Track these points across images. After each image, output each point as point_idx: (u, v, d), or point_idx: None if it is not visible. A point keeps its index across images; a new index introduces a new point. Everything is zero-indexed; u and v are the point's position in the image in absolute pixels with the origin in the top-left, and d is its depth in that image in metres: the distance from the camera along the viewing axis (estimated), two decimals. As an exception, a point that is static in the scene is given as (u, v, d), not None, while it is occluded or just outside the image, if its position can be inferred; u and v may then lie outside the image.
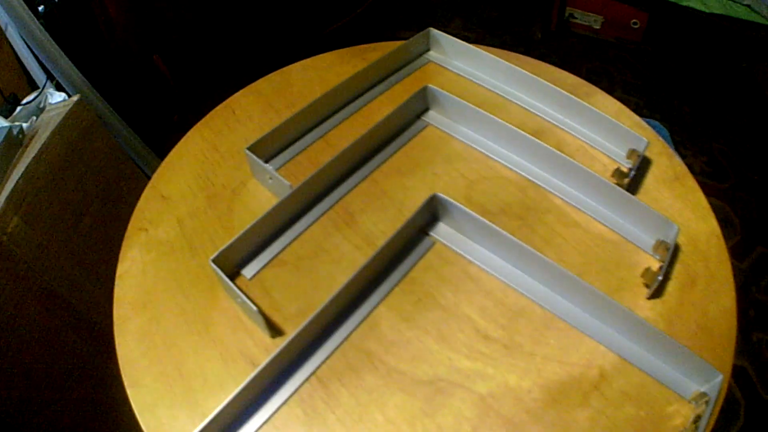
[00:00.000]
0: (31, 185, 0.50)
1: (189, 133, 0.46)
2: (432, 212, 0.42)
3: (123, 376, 0.38)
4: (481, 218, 0.40)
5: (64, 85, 0.56)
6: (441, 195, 0.41)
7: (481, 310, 0.40)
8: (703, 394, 0.38)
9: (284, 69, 0.51)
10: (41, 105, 0.55)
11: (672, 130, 1.17)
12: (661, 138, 0.50)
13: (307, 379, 0.37)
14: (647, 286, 0.42)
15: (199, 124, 0.47)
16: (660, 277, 0.40)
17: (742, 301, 0.97)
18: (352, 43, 0.55)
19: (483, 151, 0.47)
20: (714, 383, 0.38)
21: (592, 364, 0.39)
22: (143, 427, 0.36)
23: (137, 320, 0.40)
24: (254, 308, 0.37)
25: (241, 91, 0.48)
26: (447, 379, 0.38)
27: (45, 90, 0.54)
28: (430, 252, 0.42)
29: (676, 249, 0.44)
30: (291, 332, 0.36)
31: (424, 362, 0.38)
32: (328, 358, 0.38)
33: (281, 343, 0.36)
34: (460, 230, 0.42)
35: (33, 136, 0.52)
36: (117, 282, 0.42)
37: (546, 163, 0.45)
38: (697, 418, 0.37)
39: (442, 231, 0.43)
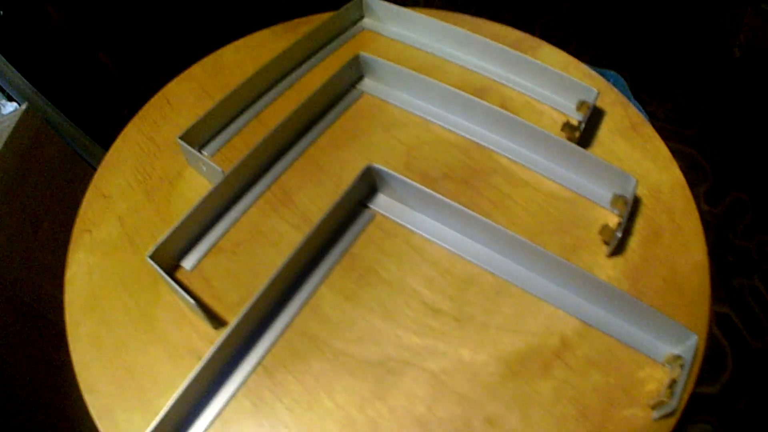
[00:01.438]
0: (-12, 198, 0.49)
1: (126, 128, 0.45)
2: (369, 184, 0.41)
3: (79, 381, 0.38)
4: (419, 186, 0.38)
5: (12, 95, 0.55)
6: (376, 165, 0.39)
7: (427, 282, 0.38)
8: (678, 357, 0.36)
9: (217, 52, 0.49)
10: (-8, 115, 0.54)
11: (633, 78, 1.13)
12: (615, 88, 0.46)
13: (254, 369, 0.36)
14: (606, 243, 0.40)
15: (135, 118, 0.45)
16: (619, 233, 0.38)
17: (719, 247, 0.94)
18: (295, 15, 0.52)
19: (422, 115, 0.45)
20: (688, 345, 0.35)
21: (553, 332, 0.37)
22: (101, 430, 0.36)
23: (88, 324, 0.39)
24: (192, 302, 0.36)
25: (174, 79, 0.47)
26: (396, 358, 0.36)
27: (-6, 100, 0.54)
28: (370, 225, 0.40)
29: (637, 202, 0.42)
30: (233, 322, 0.35)
31: (372, 342, 0.37)
32: (273, 345, 0.37)
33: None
34: (400, 200, 0.40)
35: (-17, 148, 0.52)
36: (66, 287, 0.41)
37: (489, 123, 0.42)
38: (673, 382, 0.34)
39: (381, 202, 0.41)
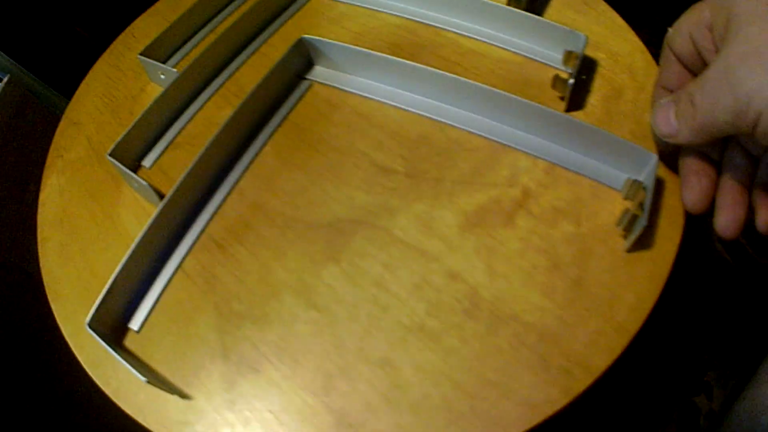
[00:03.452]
0: (-26, 168, 0.52)
1: (95, 65, 0.47)
2: (305, 57, 0.41)
3: (47, 292, 0.38)
4: (354, 47, 0.38)
5: (-6, 68, 0.59)
6: (308, 36, 0.39)
7: (377, 144, 0.38)
8: (637, 182, 0.33)
9: (179, -14, 0.51)
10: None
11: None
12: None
13: (199, 237, 0.36)
14: (561, 98, 0.38)
15: (103, 54, 0.47)
16: (571, 81, 0.36)
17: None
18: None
19: (370, 7, 0.45)
20: (649, 169, 0.33)
21: (514, 183, 0.35)
22: (66, 337, 0.36)
23: (56, 237, 0.40)
24: (144, 183, 0.36)
25: (140, 16, 0.49)
26: (347, 218, 0.35)
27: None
28: (315, 98, 0.40)
29: (593, 63, 0.40)
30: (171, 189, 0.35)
31: (322, 206, 0.36)
32: (217, 211, 0.37)
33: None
34: (338, 68, 0.41)
35: (-26, 120, 0.55)
36: (39, 209, 0.42)
37: (435, 2, 0.43)
38: (640, 205, 0.32)
39: (319, 73, 0.41)
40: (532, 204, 0.35)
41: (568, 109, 0.38)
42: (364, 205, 0.35)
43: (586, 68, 0.40)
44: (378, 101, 0.39)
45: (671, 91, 0.34)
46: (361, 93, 0.39)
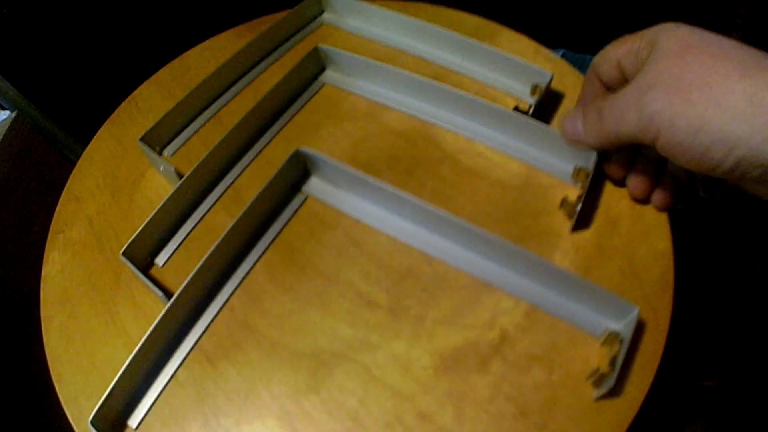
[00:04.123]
0: (-19, 205, 0.53)
1: (98, 133, 0.48)
2: (301, 168, 0.42)
3: (51, 371, 0.40)
4: (345, 166, 0.38)
5: (2, 103, 0.59)
6: (305, 148, 0.39)
7: (364, 273, 0.38)
8: (615, 333, 0.34)
9: (183, 54, 0.50)
10: (-13, 124, 0.58)
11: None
12: (580, 71, 0.44)
13: (191, 350, 0.38)
14: (569, 217, 0.39)
15: (107, 122, 0.48)
16: (579, 207, 0.37)
17: (720, 236, 0.85)
18: (261, 15, 0.53)
19: (378, 100, 0.45)
20: (628, 320, 0.34)
21: (491, 326, 0.36)
22: (69, 416, 0.38)
23: (59, 318, 0.42)
24: (153, 287, 0.38)
25: (143, 83, 0.49)
26: (330, 350, 0.36)
27: (-11, 110, 0.58)
28: (307, 213, 0.41)
29: (600, 179, 0.40)
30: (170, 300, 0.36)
31: (307, 334, 0.37)
32: (210, 325, 0.38)
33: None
34: (332, 183, 0.41)
35: (-18, 157, 0.56)
36: (42, 285, 0.44)
37: (440, 101, 0.43)
38: (613, 360, 0.33)
39: (314, 185, 0.42)
40: (508, 349, 0.36)
41: (575, 229, 0.39)
42: (346, 338, 0.37)
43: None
44: (370, 226, 0.39)
45: None
46: (353, 215, 0.40)
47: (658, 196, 0.39)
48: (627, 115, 0.33)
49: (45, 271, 0.45)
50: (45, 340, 0.42)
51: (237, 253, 0.39)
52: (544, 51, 0.46)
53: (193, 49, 0.50)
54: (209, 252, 0.37)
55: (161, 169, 0.43)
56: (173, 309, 0.37)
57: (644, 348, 0.35)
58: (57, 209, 0.46)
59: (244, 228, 0.39)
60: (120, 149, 0.46)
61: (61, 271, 0.44)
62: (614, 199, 0.40)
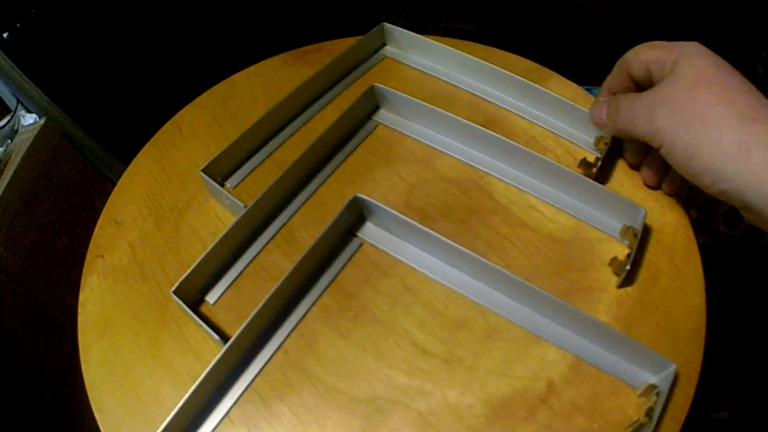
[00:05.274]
0: (7, 212, 0.52)
1: (139, 155, 0.47)
2: (357, 214, 0.42)
3: (90, 400, 0.40)
4: (406, 219, 0.39)
5: (31, 109, 0.58)
6: (361, 196, 0.40)
7: (419, 323, 0.39)
8: (653, 386, 0.36)
9: (227, 80, 0.50)
10: (15, 128, 0.57)
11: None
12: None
13: (246, 389, 0.38)
14: (616, 274, 0.40)
15: (147, 145, 0.47)
16: (628, 267, 0.38)
17: (738, 272, 0.90)
18: (305, 42, 0.53)
19: (432, 145, 0.46)
20: (665, 374, 0.36)
21: (539, 377, 0.38)
22: None
23: (99, 347, 0.42)
24: (206, 326, 0.38)
25: (186, 107, 0.48)
26: (385, 397, 0.38)
27: (17, 113, 0.56)
28: (364, 260, 0.41)
29: (644, 238, 0.42)
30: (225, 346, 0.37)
31: (362, 380, 0.38)
32: (265, 366, 0.39)
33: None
34: (391, 231, 0.42)
35: (8, 161, 0.54)
36: (79, 309, 0.44)
37: (497, 152, 0.44)
38: (650, 410, 0.35)
39: (369, 231, 0.43)
40: (554, 399, 0.38)
41: (622, 285, 0.40)
42: (401, 385, 0.38)
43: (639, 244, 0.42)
44: (425, 275, 0.40)
45: (614, 94, 0.44)
46: (409, 263, 0.40)
47: (668, 185, 0.43)
48: (639, 122, 0.38)
49: (83, 296, 0.44)
50: (83, 367, 0.42)
51: (293, 295, 0.40)
52: (592, 99, 0.48)
53: (238, 74, 0.50)
54: (268, 295, 0.37)
55: (225, 202, 0.42)
56: (229, 351, 0.37)
57: (675, 398, 0.38)
58: (95, 232, 0.46)
59: (301, 271, 0.39)
60: (163, 176, 0.46)
61: (100, 298, 0.44)
62: (656, 255, 0.42)
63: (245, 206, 0.40)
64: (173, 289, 0.39)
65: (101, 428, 0.39)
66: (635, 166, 0.45)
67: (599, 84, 0.46)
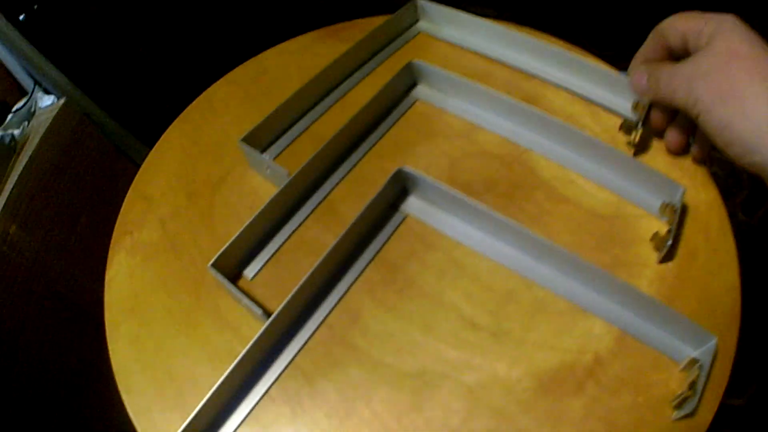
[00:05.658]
0: (26, 192, 0.50)
1: (168, 130, 0.46)
2: (401, 187, 0.42)
3: (117, 381, 0.39)
4: (451, 190, 0.39)
5: (50, 90, 0.56)
6: (406, 168, 0.39)
7: (466, 296, 0.39)
8: (695, 360, 0.36)
9: (259, 56, 0.49)
10: (32, 110, 0.55)
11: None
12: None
13: (286, 368, 0.37)
14: (657, 250, 0.40)
15: (177, 120, 0.46)
16: (669, 242, 0.38)
17: (756, 260, 0.92)
18: (336, 19, 0.52)
19: (472, 120, 0.45)
20: (707, 348, 0.36)
21: (586, 350, 0.37)
22: (139, 430, 0.37)
23: (127, 325, 0.40)
24: (248, 301, 0.37)
25: (217, 82, 0.47)
26: (433, 371, 0.37)
27: (34, 95, 0.54)
28: (407, 232, 0.41)
29: (684, 210, 0.42)
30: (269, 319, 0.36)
31: (410, 354, 0.37)
32: (306, 343, 0.38)
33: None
34: (435, 205, 0.42)
35: (25, 143, 0.53)
36: (106, 288, 0.42)
37: (538, 128, 0.43)
38: (693, 384, 0.35)
39: (414, 205, 0.42)
40: (600, 373, 0.37)
41: (662, 261, 0.40)
42: (450, 359, 0.37)
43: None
44: (470, 248, 0.40)
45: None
46: (454, 236, 0.40)
47: (697, 150, 0.45)
48: (678, 92, 0.40)
49: (110, 274, 0.43)
50: (111, 347, 0.40)
51: (336, 269, 0.39)
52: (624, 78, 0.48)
53: (269, 50, 0.49)
54: (312, 268, 0.37)
55: (267, 171, 0.41)
56: (271, 327, 0.36)
57: (714, 373, 0.38)
58: (123, 209, 0.44)
59: (345, 244, 0.39)
60: (195, 149, 0.45)
61: (129, 276, 0.42)
62: (692, 232, 0.42)
63: (288, 174, 0.39)
64: (211, 262, 0.38)
65: (129, 410, 0.38)
66: (660, 133, 0.46)
67: (619, 69, 0.47)
